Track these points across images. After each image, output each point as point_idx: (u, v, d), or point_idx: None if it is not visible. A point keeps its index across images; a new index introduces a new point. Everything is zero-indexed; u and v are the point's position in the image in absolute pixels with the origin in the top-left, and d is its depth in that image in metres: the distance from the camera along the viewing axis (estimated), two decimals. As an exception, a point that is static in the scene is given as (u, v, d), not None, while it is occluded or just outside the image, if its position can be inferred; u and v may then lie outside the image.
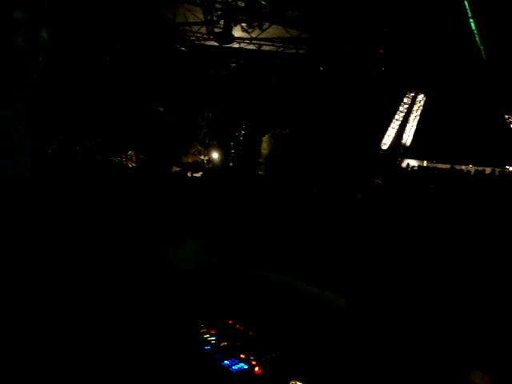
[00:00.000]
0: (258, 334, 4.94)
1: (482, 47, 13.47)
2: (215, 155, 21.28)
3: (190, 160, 21.28)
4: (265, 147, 20.62)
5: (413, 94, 23.02)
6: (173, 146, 20.11)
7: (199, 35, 16.91)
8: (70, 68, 13.98)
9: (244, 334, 4.95)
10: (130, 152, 19.03)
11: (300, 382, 4.07)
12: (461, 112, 21.07)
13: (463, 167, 24.18)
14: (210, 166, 20.63)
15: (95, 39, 14.76)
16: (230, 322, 5.13)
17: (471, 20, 11.89)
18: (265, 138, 20.49)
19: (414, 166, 23.23)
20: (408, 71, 18.89)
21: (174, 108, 19.88)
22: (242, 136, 20.82)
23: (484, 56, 14.04)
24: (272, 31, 15.67)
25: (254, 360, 4.47)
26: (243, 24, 14.95)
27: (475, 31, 12.43)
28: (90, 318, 4.67)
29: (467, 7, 11.11)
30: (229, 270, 6.44)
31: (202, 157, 21.44)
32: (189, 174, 19.23)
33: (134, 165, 19.10)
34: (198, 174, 19.64)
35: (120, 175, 17.02)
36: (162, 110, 19.65)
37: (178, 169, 19.92)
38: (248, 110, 20.17)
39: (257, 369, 4.32)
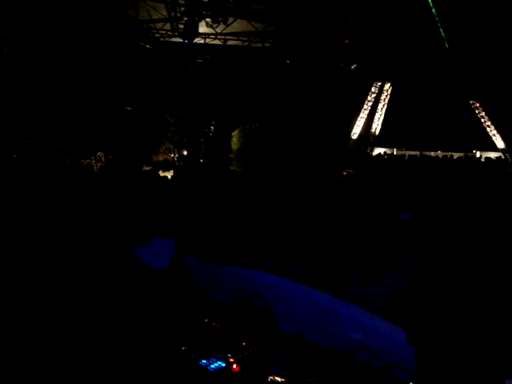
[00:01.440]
0: (236, 331, 4.92)
1: (444, 35, 13.69)
2: (185, 152, 21.15)
3: (160, 158, 21.10)
4: (235, 142, 20.57)
5: (380, 84, 23.24)
6: (142, 145, 19.91)
7: (164, 32, 16.75)
8: (33, 70, 13.69)
9: (221, 332, 4.92)
10: (99, 153, 18.79)
11: (278, 377, 4.07)
12: (427, 99, 21.36)
13: (432, 153, 24.53)
14: (181, 163, 20.50)
15: (57, 39, 14.48)
16: (206, 320, 5.10)
17: (433, 9, 12.03)
18: (235, 133, 20.44)
19: (384, 153, 23.55)
20: (374, 61, 19.05)
21: (142, 107, 19.66)
22: (211, 132, 20.74)
23: (446, 44, 14.28)
24: (237, 25, 15.61)
25: (231, 357, 4.45)
26: (207, 19, 14.87)
27: (437, 20, 12.62)
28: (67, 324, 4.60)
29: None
30: (203, 268, 6.40)
31: (172, 155, 21.28)
32: (160, 173, 19.07)
33: (102, 165, 18.87)
34: (170, 172, 19.50)
35: (88, 176, 16.78)
36: (129, 109, 19.42)
37: (148, 168, 19.73)
38: (216, 106, 20.09)
39: (234, 366, 4.30)
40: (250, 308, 5.53)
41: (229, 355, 4.50)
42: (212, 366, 4.30)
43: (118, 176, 17.49)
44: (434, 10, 12.13)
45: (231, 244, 8.24)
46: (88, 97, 16.95)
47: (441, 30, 13.62)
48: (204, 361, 4.38)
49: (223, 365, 4.30)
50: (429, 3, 11.92)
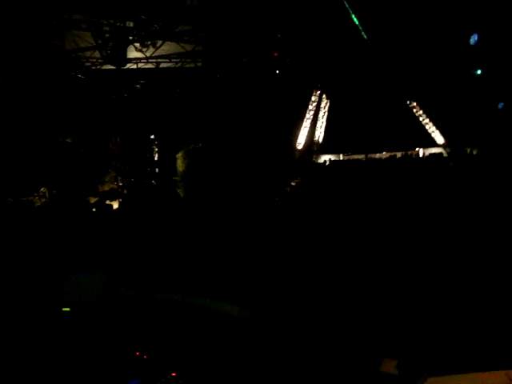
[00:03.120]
0: (167, 362, 4.78)
1: (366, 37, 14.01)
2: (131, 179, 20.80)
3: (106, 188, 20.68)
4: (180, 164, 20.38)
5: (319, 92, 23.55)
6: (86, 176, 19.50)
7: (94, 60, 16.48)
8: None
9: (152, 364, 4.77)
10: (42, 189, 18.31)
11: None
12: (367, 102, 21.77)
13: (377, 155, 24.93)
14: (126, 191, 20.12)
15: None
16: (138, 353, 4.95)
17: (353, 16, 12.31)
18: (179, 155, 20.26)
19: (327, 161, 23.77)
20: (308, 70, 19.28)
21: (82, 137, 19.31)
22: (155, 156, 20.48)
23: (370, 44, 14.59)
24: (167, 48, 15.52)
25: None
26: (136, 44, 14.71)
27: (360, 26, 12.91)
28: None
29: (347, 6, 11.52)
30: (135, 298, 6.24)
31: (118, 183, 20.89)
32: (107, 203, 18.71)
33: (47, 201, 18.38)
34: (116, 202, 19.16)
35: (31, 214, 16.31)
36: (69, 141, 19.06)
37: (94, 199, 19.32)
38: (157, 129, 19.89)
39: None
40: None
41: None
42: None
43: (62, 210, 17.10)
44: (354, 16, 12.43)
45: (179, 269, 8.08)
46: (25, 132, 16.60)
47: (363, 33, 13.96)
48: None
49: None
50: (349, 11, 12.20)
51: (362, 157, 24.73)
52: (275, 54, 14.61)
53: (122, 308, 6.09)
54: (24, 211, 16.63)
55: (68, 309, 5.87)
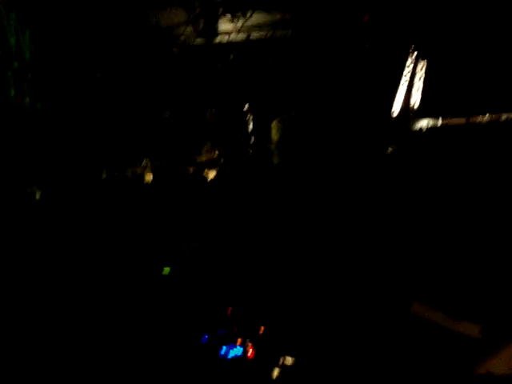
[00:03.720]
0: (256, 317, 5.05)
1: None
2: (227, 150, 21.32)
3: (204, 158, 21.37)
4: (275, 133, 20.54)
5: (415, 54, 22.60)
6: (185, 148, 20.29)
7: (187, 35, 16.97)
8: (64, 92, 14.27)
9: (242, 318, 5.06)
10: (144, 161, 19.30)
11: (289, 356, 4.20)
12: (465, 63, 20.59)
13: (480, 118, 23.63)
14: (223, 161, 20.68)
15: (84, 55, 15.02)
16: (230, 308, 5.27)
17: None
18: (273, 124, 20.40)
19: (422, 128, 22.86)
20: (402, 32, 18.52)
21: (180, 110, 20.03)
22: (249, 126, 20.81)
23: None
24: (257, 18, 15.66)
25: (249, 342, 4.59)
26: (227, 15, 14.98)
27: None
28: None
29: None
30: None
31: (215, 153, 21.52)
32: (205, 172, 19.37)
33: (149, 173, 19.35)
34: (214, 171, 19.79)
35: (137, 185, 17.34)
36: (167, 114, 19.85)
37: (192, 169, 20.07)
38: (251, 99, 20.13)
39: (250, 352, 4.44)
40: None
41: (248, 340, 4.68)
42: (230, 354, 4.47)
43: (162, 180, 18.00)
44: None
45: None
46: (125, 107, 17.54)
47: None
48: (224, 348, 4.57)
49: (240, 353, 4.47)
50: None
51: (462, 121, 23.56)
52: (366, 18, 14.29)
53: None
54: (130, 183, 17.72)
55: (167, 271, 6.38)
